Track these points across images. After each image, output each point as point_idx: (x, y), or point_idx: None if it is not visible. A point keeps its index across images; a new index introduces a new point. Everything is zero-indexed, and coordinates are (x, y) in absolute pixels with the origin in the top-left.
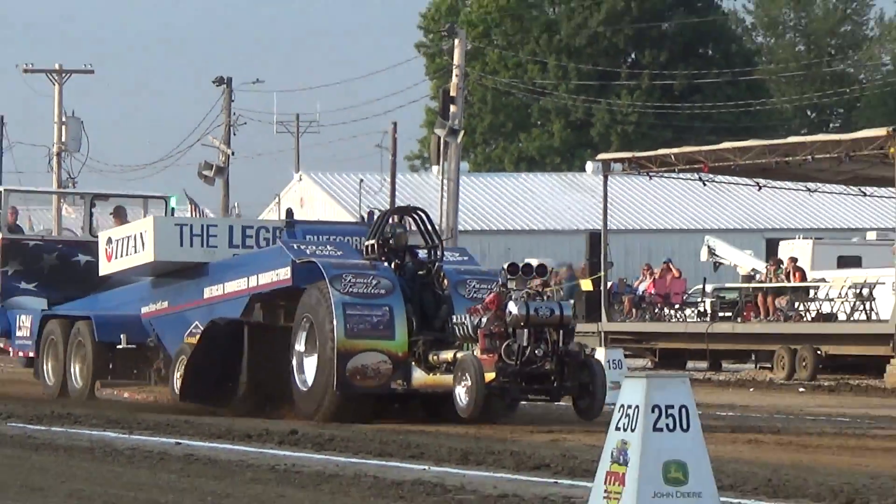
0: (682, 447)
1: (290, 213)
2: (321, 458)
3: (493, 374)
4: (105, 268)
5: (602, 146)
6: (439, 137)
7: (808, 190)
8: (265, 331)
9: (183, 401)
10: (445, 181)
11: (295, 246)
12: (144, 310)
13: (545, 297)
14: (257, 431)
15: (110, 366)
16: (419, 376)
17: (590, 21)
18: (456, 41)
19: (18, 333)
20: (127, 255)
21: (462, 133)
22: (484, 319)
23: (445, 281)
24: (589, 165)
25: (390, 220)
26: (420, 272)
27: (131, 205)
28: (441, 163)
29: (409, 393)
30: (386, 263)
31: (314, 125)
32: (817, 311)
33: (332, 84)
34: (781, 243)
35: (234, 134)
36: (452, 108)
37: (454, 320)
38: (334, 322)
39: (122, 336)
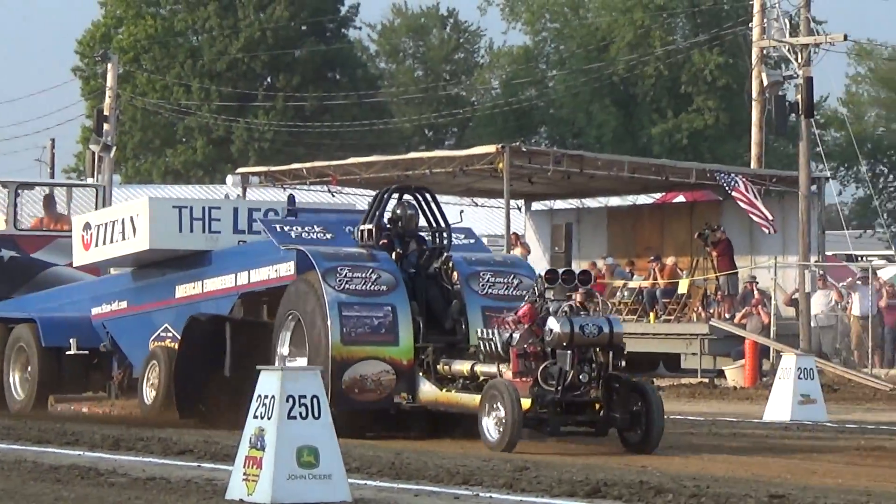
0: (313, 433)
1: (291, 199)
2: None
3: (529, 401)
4: (82, 257)
5: (241, 161)
6: (94, 152)
7: None
8: (249, 328)
9: (182, 417)
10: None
11: (278, 228)
12: (95, 311)
13: (590, 312)
14: None
15: (59, 374)
16: (428, 390)
17: (230, 48)
18: (109, 66)
19: None
20: (112, 242)
21: (114, 148)
22: (516, 335)
23: (455, 274)
24: (229, 179)
25: (391, 200)
26: (426, 263)
27: (56, 194)
28: (95, 175)
29: (415, 410)
30: (385, 252)
31: None
32: None
33: None
34: None
35: None
36: (106, 126)
37: (479, 334)
38: (329, 326)
39: (71, 341)
